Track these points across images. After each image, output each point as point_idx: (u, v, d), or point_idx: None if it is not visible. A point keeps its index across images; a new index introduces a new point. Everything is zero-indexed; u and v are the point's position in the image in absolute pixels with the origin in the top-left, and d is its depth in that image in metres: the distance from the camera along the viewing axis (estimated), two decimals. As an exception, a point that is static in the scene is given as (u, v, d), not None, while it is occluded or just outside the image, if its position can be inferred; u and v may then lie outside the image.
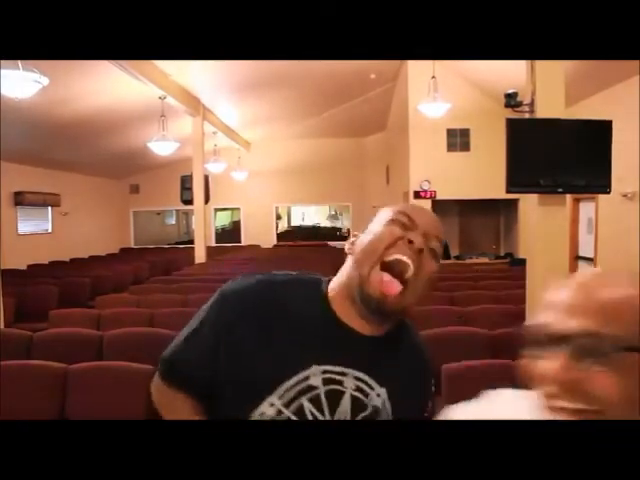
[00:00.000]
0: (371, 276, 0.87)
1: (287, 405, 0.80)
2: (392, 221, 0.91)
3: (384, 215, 0.94)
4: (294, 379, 0.83)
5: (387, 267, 0.87)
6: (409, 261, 0.88)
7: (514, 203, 10.40)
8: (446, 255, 11.38)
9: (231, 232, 15.72)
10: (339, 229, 16.33)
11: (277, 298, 0.92)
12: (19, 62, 4.54)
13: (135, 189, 14.93)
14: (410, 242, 0.88)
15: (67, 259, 10.97)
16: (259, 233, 14.22)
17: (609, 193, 3.99)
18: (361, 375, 0.89)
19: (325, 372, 0.86)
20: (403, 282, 0.87)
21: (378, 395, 0.89)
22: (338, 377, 0.87)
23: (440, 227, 0.97)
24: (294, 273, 1.01)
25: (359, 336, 0.92)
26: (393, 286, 0.86)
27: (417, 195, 10.09)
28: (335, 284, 0.95)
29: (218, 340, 0.88)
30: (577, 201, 8.20)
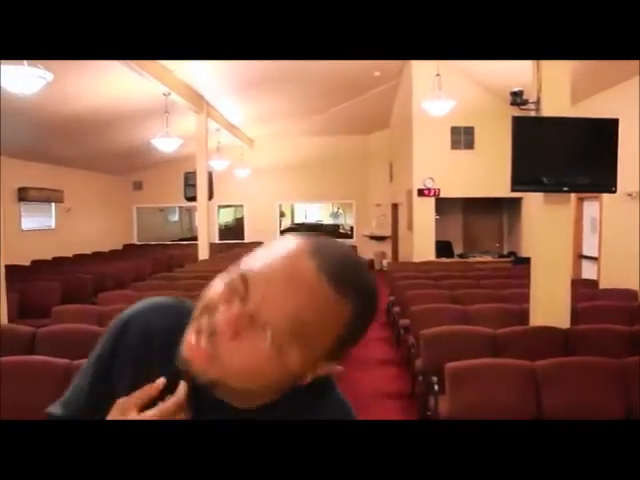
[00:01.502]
0: (185, 337, 0.66)
1: None
2: (226, 283, 0.66)
3: (237, 264, 0.67)
4: None
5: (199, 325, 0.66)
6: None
7: (517, 202, 10.38)
8: (449, 253, 11.37)
9: (234, 229, 15.74)
10: (340, 226, 16.34)
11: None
12: (23, 58, 4.55)
13: (138, 186, 14.96)
14: (212, 327, 0.64)
15: (70, 255, 11.00)
16: (262, 230, 14.22)
17: (615, 192, 3.98)
18: None
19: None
20: (214, 346, 0.63)
21: None
22: None
23: (300, 299, 0.62)
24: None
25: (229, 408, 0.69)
26: (196, 348, 0.64)
27: (421, 193, 10.08)
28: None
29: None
30: (581, 200, 8.17)
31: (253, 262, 0.65)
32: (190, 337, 0.65)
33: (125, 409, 0.64)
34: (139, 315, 0.77)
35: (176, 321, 0.70)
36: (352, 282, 0.64)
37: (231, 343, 0.63)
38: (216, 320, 0.63)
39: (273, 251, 0.65)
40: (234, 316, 0.63)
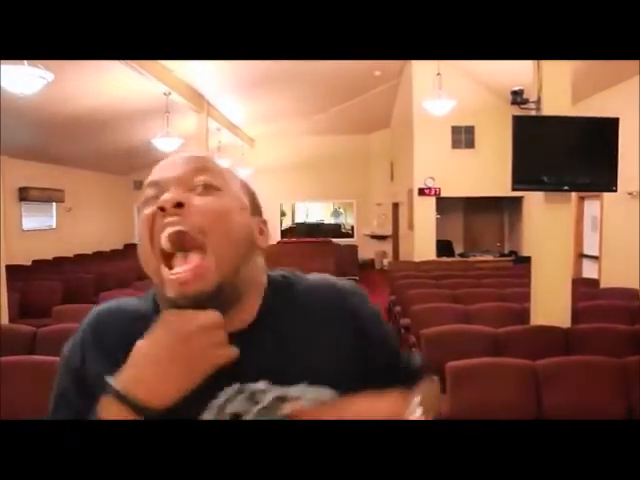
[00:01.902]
0: (162, 276, 0.66)
1: None
2: (145, 201, 0.70)
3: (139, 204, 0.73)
4: None
5: (168, 256, 0.67)
6: (175, 228, 0.65)
7: (518, 201, 10.38)
8: (450, 253, 11.37)
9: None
10: (341, 226, 16.35)
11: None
12: (24, 58, 4.54)
13: (139, 185, 14.94)
14: (162, 209, 0.66)
15: (71, 255, 11.01)
16: (263, 229, 14.16)
17: (615, 191, 3.98)
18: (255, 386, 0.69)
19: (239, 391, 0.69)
20: (196, 250, 0.66)
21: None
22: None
23: (198, 159, 0.73)
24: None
25: None
26: (186, 270, 0.65)
27: (421, 192, 10.07)
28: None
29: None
30: (582, 199, 8.17)
31: (147, 180, 0.73)
32: (166, 275, 0.65)
33: (171, 322, 0.65)
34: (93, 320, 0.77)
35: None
36: None
37: (193, 208, 0.66)
38: (165, 210, 0.66)
39: (154, 168, 0.74)
40: (172, 192, 0.67)
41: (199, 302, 0.65)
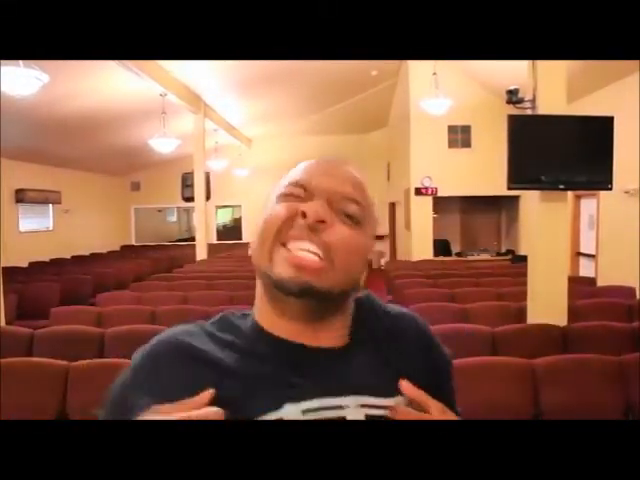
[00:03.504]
0: (274, 257, 0.66)
1: None
2: (284, 196, 0.70)
3: (275, 191, 0.73)
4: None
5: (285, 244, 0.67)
6: (311, 246, 0.65)
7: (515, 200, 10.40)
8: (447, 252, 11.38)
9: (232, 229, 15.73)
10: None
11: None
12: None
13: (136, 186, 14.94)
14: (303, 215, 0.66)
15: (68, 256, 10.99)
16: (260, 230, 14.16)
17: (611, 189, 3.99)
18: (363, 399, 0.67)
19: (307, 411, 0.65)
20: (318, 239, 0.66)
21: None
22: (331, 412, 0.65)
23: (355, 183, 0.72)
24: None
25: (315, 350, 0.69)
26: (308, 257, 0.65)
27: (418, 192, 10.08)
28: (256, 302, 0.75)
29: None
30: (578, 198, 8.19)
31: (294, 176, 0.72)
32: (284, 252, 0.65)
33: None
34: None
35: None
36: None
37: (331, 231, 0.66)
38: (308, 217, 0.65)
39: (302, 165, 0.74)
40: (320, 206, 0.67)
41: (307, 293, 0.65)
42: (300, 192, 0.69)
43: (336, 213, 0.68)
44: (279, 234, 0.67)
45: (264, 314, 0.72)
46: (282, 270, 0.65)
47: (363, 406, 0.66)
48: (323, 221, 0.66)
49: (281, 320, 0.70)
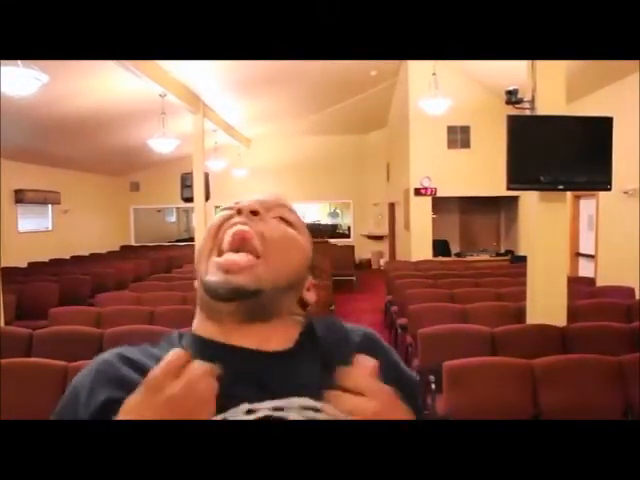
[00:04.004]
0: (209, 266, 0.70)
1: None
2: (220, 218, 0.76)
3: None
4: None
5: (222, 252, 0.71)
6: (244, 227, 0.70)
7: (515, 200, 10.40)
8: (446, 252, 11.38)
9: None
10: (338, 226, 16.36)
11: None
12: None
13: (135, 187, 14.93)
14: (239, 212, 0.72)
15: (67, 257, 10.98)
16: (259, 230, 14.17)
17: (610, 190, 3.99)
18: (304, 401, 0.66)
19: (250, 412, 0.64)
20: (250, 253, 0.69)
21: None
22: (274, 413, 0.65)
23: (287, 203, 0.78)
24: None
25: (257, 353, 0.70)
26: (236, 259, 0.68)
27: (417, 192, 10.09)
28: (195, 321, 0.77)
29: None
30: (577, 198, 8.19)
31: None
32: (216, 261, 0.69)
33: (155, 387, 0.59)
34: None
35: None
36: None
37: (265, 223, 0.72)
38: (242, 211, 0.72)
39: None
40: (254, 202, 0.73)
41: (236, 295, 0.67)
42: (234, 207, 0.74)
43: (271, 215, 0.74)
44: (215, 239, 0.72)
45: (201, 323, 0.74)
46: (215, 275, 0.68)
47: (304, 408, 0.65)
48: (257, 212, 0.72)
49: (219, 326, 0.71)
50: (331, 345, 0.74)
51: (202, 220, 9.68)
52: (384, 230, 14.03)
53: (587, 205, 8.06)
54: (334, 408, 0.63)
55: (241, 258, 0.68)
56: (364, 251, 14.13)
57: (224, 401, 0.62)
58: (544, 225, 3.93)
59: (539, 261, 3.96)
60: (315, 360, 0.72)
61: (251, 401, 0.65)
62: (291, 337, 0.74)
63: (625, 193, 6.63)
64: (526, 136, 3.82)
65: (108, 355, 0.74)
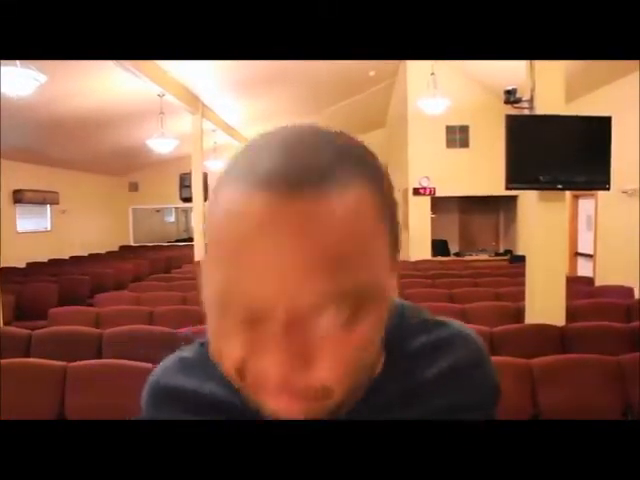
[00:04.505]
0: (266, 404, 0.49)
1: None
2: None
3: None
4: None
5: None
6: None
7: (513, 200, 10.41)
8: (445, 252, 11.39)
9: (230, 230, 15.69)
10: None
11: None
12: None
13: (134, 187, 14.92)
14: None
15: (66, 257, 10.97)
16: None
17: (608, 189, 4.00)
18: None
19: None
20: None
21: None
22: None
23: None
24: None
25: None
26: (293, 409, 0.48)
27: (416, 192, 10.09)
28: None
29: None
30: (576, 198, 8.20)
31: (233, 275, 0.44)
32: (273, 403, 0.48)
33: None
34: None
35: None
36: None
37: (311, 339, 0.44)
38: (273, 336, 0.43)
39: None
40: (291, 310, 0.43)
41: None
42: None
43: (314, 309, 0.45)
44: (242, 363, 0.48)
45: None
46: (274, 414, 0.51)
47: None
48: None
49: None
50: (416, 371, 0.66)
51: (201, 220, 9.68)
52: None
53: (586, 205, 8.07)
54: None
55: (297, 407, 0.52)
56: (363, 251, 14.13)
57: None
58: (543, 225, 3.93)
59: (538, 261, 3.96)
60: (398, 390, 0.63)
61: None
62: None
63: (624, 193, 6.63)
64: (525, 136, 3.82)
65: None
